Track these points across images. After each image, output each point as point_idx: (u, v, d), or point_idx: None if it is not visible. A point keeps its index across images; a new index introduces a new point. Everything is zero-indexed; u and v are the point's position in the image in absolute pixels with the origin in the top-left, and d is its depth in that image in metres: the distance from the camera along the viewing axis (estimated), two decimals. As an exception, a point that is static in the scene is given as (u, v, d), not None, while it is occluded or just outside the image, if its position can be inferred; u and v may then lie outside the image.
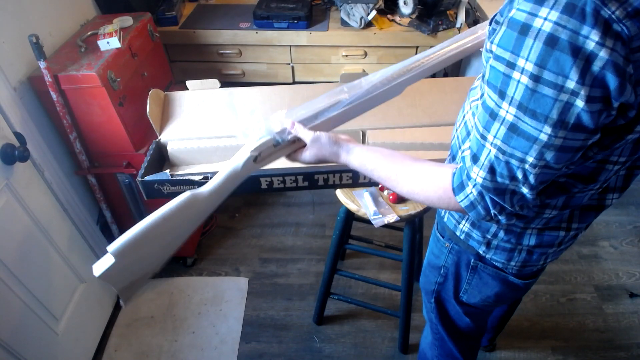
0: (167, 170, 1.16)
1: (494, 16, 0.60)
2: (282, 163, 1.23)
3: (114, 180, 1.58)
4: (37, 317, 1.32)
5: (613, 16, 0.44)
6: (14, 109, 1.25)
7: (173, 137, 1.27)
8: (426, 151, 1.25)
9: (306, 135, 0.80)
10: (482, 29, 0.91)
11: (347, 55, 1.90)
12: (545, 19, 0.46)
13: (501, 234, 0.78)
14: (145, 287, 1.86)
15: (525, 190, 0.58)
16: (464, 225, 0.84)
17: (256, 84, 1.69)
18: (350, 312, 1.76)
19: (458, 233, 0.86)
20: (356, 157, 0.76)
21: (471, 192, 0.63)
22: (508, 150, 0.55)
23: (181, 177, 1.15)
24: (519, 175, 0.57)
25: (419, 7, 1.78)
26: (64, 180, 1.46)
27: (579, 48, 0.45)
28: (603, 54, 0.45)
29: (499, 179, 0.58)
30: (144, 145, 1.52)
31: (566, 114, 0.49)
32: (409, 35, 1.82)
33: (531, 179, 0.57)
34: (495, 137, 0.56)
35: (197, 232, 2.02)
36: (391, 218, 1.23)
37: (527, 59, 0.49)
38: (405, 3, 1.79)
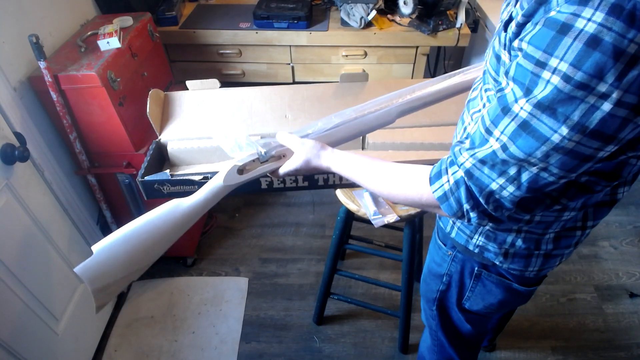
0: (167, 170, 1.16)
1: (509, 20, 0.58)
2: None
3: (114, 180, 1.58)
4: (37, 317, 1.32)
5: None
6: (14, 109, 1.25)
7: (173, 137, 1.27)
8: (426, 151, 1.25)
9: (293, 141, 0.82)
10: (476, 70, 0.93)
11: (347, 55, 1.90)
12: (589, 19, 0.45)
13: (519, 242, 0.77)
14: (145, 287, 1.86)
15: (510, 189, 0.56)
16: (477, 239, 0.82)
17: (256, 84, 1.69)
18: (350, 312, 1.76)
19: (471, 247, 0.84)
20: (338, 159, 0.78)
21: (447, 182, 0.61)
22: (511, 148, 0.54)
23: (181, 177, 1.15)
24: (512, 171, 0.55)
25: (419, 7, 1.78)
26: (64, 180, 1.46)
27: (623, 51, 0.44)
28: None
29: (486, 170, 0.57)
30: (144, 145, 1.52)
31: (588, 117, 0.48)
32: (409, 35, 1.82)
33: (524, 176, 0.55)
34: (502, 132, 0.55)
35: (197, 232, 2.02)
36: (391, 218, 1.23)
37: (562, 59, 0.47)
38: (405, 3, 1.79)
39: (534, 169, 0.54)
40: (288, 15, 1.80)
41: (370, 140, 1.26)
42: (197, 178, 1.14)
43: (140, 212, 1.73)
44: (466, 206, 0.60)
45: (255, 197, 2.28)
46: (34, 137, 1.32)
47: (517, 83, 0.53)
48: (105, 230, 1.73)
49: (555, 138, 0.50)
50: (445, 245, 0.91)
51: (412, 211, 1.25)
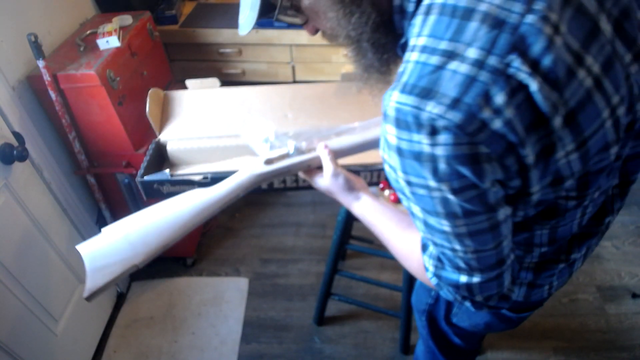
0: (167, 170, 1.15)
1: None
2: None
3: (113, 180, 1.58)
4: (35, 318, 1.32)
5: (433, 115, 0.45)
6: (13, 109, 1.24)
7: (173, 137, 1.26)
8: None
9: (328, 166, 0.81)
10: None
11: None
12: (394, 135, 0.49)
13: None
14: (144, 287, 1.85)
15: (476, 279, 0.57)
16: None
17: (256, 83, 1.68)
18: (351, 313, 1.75)
19: None
20: (360, 207, 0.79)
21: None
22: (438, 242, 0.56)
23: (181, 177, 1.14)
24: (461, 263, 0.56)
25: (420, 6, 1.77)
26: (63, 180, 1.45)
27: (419, 153, 0.47)
28: (440, 152, 0.46)
29: (447, 269, 0.59)
30: (143, 145, 1.51)
31: (448, 206, 0.50)
32: (410, 34, 1.81)
33: (474, 263, 0.56)
34: (422, 231, 0.57)
35: (197, 233, 2.01)
36: (392, 218, 1.22)
37: (398, 169, 0.51)
38: (406, 2, 1.78)
39: (472, 255, 0.55)
40: (288, 14, 1.79)
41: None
42: (197, 178, 1.13)
43: (139, 212, 1.71)
44: (457, 297, 0.61)
45: (255, 197, 2.27)
46: (33, 137, 1.32)
47: (394, 188, 0.57)
48: (105, 231, 1.72)
49: (447, 229, 0.53)
50: None
51: (414, 211, 1.24)
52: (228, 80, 2.00)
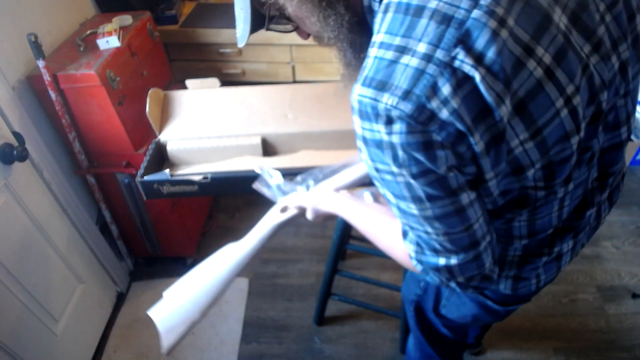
0: (167, 170, 1.15)
1: None
2: (282, 162, 1.22)
3: (113, 180, 1.57)
4: (35, 318, 1.32)
5: (388, 106, 0.48)
6: (13, 109, 1.24)
7: (173, 137, 1.27)
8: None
9: (299, 202, 0.91)
10: None
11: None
12: (358, 125, 0.53)
13: None
14: (144, 287, 1.85)
15: (454, 260, 0.58)
16: None
17: (256, 83, 1.68)
18: (351, 313, 1.75)
19: None
20: (335, 202, 0.84)
21: None
22: (413, 225, 0.58)
23: (181, 177, 1.14)
24: (437, 245, 0.58)
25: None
26: (62, 180, 1.45)
27: (380, 141, 0.51)
28: (396, 139, 0.49)
29: (427, 253, 0.60)
30: (143, 145, 1.51)
31: (413, 190, 0.53)
32: (410, 34, 1.81)
33: (448, 245, 0.57)
34: (398, 216, 0.60)
35: (197, 233, 2.01)
36: (392, 218, 1.22)
37: (366, 157, 0.55)
38: (406, 2, 1.78)
39: (443, 237, 0.57)
40: (288, 14, 1.79)
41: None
42: (197, 178, 1.14)
43: (139, 212, 1.73)
44: (443, 280, 0.63)
45: (255, 197, 2.24)
46: (33, 137, 1.32)
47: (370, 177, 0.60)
48: (105, 231, 1.72)
49: (415, 212, 0.55)
50: None
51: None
52: (228, 80, 2.00)
